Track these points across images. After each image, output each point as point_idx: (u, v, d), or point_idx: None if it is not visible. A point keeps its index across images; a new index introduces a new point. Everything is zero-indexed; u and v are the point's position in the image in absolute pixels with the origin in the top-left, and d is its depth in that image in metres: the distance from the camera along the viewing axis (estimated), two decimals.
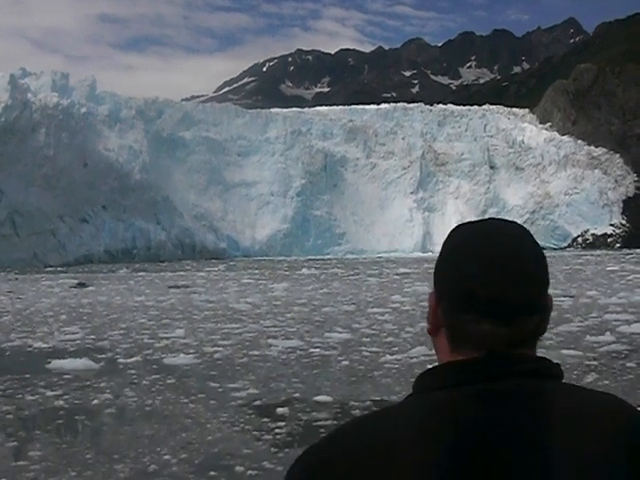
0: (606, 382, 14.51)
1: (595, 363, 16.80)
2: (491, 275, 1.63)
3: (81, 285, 43.84)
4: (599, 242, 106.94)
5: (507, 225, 1.73)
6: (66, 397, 14.16)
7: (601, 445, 1.55)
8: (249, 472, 9.62)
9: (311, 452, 1.61)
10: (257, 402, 13.54)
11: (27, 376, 16.23)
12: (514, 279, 1.63)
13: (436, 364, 1.70)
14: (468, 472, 1.50)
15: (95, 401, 13.83)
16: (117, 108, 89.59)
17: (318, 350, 19.50)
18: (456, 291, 1.66)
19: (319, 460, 1.58)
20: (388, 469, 1.51)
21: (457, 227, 1.76)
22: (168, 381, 15.57)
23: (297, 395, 14.06)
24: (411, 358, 17.52)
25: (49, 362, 17.67)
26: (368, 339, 21.26)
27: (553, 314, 1.73)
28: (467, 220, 1.86)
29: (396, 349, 19.19)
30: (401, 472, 1.50)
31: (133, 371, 16.79)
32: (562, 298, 30.77)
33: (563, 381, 1.67)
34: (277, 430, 11.60)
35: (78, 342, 21.32)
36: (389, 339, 21.17)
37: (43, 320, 26.86)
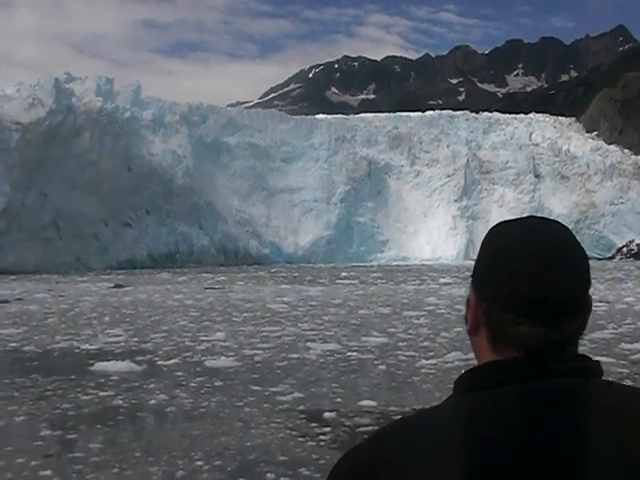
0: None
1: (627, 371, 16.72)
2: (533, 275, 1.62)
3: (118, 287, 44.26)
4: None
5: (549, 224, 1.72)
6: (121, 397, 14.28)
7: None
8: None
9: (352, 455, 1.63)
10: (301, 407, 13.49)
11: (73, 377, 16.34)
12: (557, 279, 1.62)
13: (475, 365, 1.71)
14: (512, 472, 1.49)
15: (152, 401, 13.95)
16: (161, 113, 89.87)
17: (355, 354, 19.54)
18: (497, 291, 1.65)
19: (362, 462, 1.59)
20: (430, 470, 1.51)
21: (497, 225, 1.76)
22: (216, 383, 15.61)
23: (339, 400, 14.02)
24: (446, 363, 17.51)
25: (92, 364, 17.80)
26: (404, 343, 21.32)
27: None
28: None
29: (432, 354, 19.23)
30: (444, 473, 1.50)
31: (179, 373, 16.86)
32: (598, 304, 30.64)
33: (603, 378, 1.67)
34: (321, 436, 11.48)
35: (122, 344, 21.51)
36: (425, 343, 21.24)
37: (87, 322, 27.15)
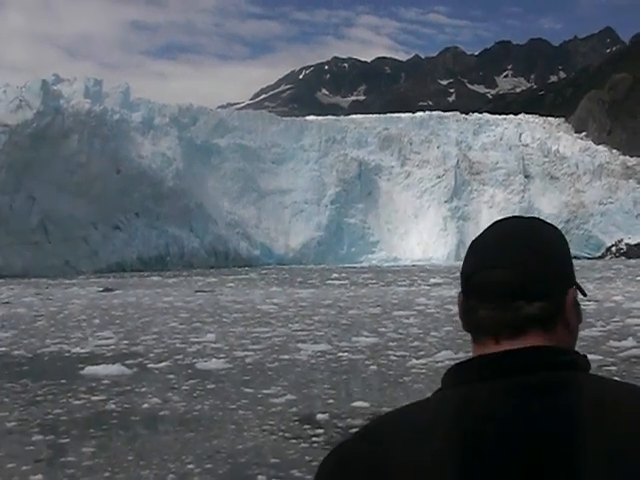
0: None
1: (615, 368, 16.81)
2: (481, 261, 1.69)
3: (108, 291, 44.02)
4: (633, 252, 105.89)
5: (524, 220, 1.76)
6: (112, 401, 14.23)
7: (634, 436, 1.50)
8: None
9: (341, 450, 1.62)
10: (293, 409, 13.49)
11: (63, 381, 16.31)
12: (504, 264, 1.65)
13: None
14: (506, 470, 1.47)
15: (144, 405, 13.91)
16: (150, 115, 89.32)
17: (346, 354, 19.60)
18: (461, 281, 1.74)
19: (351, 457, 1.59)
20: (420, 466, 1.49)
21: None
22: (208, 386, 15.59)
23: (331, 401, 14.02)
24: (437, 362, 17.53)
25: (82, 368, 17.74)
26: (395, 343, 21.40)
27: None
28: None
29: (422, 353, 19.31)
30: (432, 467, 1.48)
31: (170, 376, 16.86)
32: (587, 302, 30.81)
33: (590, 373, 1.66)
34: (314, 438, 11.46)
35: (112, 347, 21.44)
36: (415, 343, 21.32)
37: (77, 325, 27.07)
